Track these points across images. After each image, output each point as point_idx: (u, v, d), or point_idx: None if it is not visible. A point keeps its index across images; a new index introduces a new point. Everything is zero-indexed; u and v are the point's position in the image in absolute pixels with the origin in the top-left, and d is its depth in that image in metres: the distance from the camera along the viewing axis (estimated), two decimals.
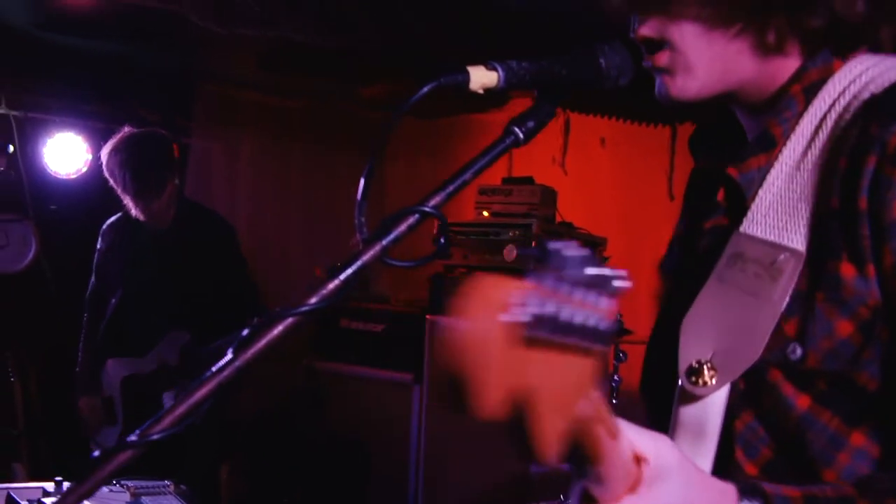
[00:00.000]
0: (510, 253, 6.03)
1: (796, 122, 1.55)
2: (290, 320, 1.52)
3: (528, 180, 6.33)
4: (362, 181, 1.58)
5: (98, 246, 5.32)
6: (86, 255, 5.78)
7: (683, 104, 1.61)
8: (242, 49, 5.81)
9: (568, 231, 6.27)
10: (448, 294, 6.38)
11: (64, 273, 6.51)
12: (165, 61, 6.71)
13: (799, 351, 1.45)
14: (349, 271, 1.54)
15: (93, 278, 5.38)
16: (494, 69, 1.58)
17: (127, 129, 5.05)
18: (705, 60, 1.56)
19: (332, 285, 1.54)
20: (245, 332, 1.49)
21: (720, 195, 1.63)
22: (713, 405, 1.50)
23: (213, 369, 1.47)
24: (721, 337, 1.50)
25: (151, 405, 5.04)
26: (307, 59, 5.91)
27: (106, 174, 4.99)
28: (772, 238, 1.50)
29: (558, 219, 6.38)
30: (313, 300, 1.53)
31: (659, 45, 1.59)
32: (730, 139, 1.71)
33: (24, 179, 6.39)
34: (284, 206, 7.88)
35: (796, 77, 1.57)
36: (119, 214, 5.23)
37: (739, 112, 1.69)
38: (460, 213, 6.97)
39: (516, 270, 6.08)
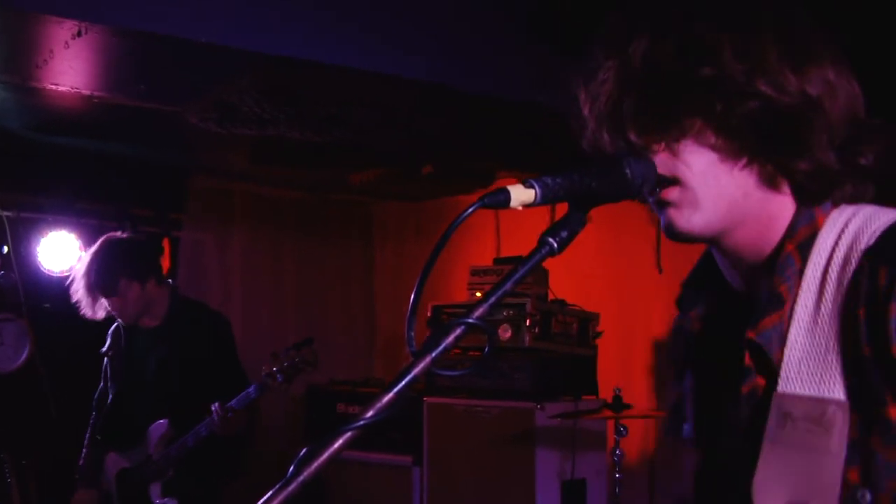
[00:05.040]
0: (505, 332, 6.10)
1: (800, 279, 1.64)
2: (349, 434, 1.58)
3: (519, 259, 6.40)
4: (412, 298, 1.63)
5: (103, 349, 5.40)
6: (80, 353, 5.80)
7: (688, 238, 1.71)
8: (235, 144, 5.88)
9: (561, 308, 6.34)
10: (444, 375, 6.42)
11: (59, 371, 6.53)
12: (157, 157, 6.78)
13: (868, 496, 1.53)
14: (402, 384, 1.61)
15: (101, 380, 5.46)
16: (532, 187, 1.64)
17: (106, 235, 5.27)
18: (712, 195, 1.65)
19: (386, 398, 1.60)
20: (304, 449, 1.56)
21: (747, 360, 1.67)
22: None
23: (277, 487, 1.53)
24: (792, 496, 1.57)
25: (142, 497, 5.10)
26: (298, 151, 5.99)
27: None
28: (812, 393, 1.57)
29: (550, 296, 6.46)
30: (369, 413, 1.59)
31: (668, 181, 1.68)
32: (709, 287, 1.85)
33: (18, 278, 6.43)
34: (278, 295, 7.93)
35: (788, 235, 1.67)
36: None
37: (724, 261, 1.79)
38: (452, 295, 7.04)
39: (509, 349, 6.15)
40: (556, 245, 1.70)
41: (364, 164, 6.65)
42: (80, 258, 5.28)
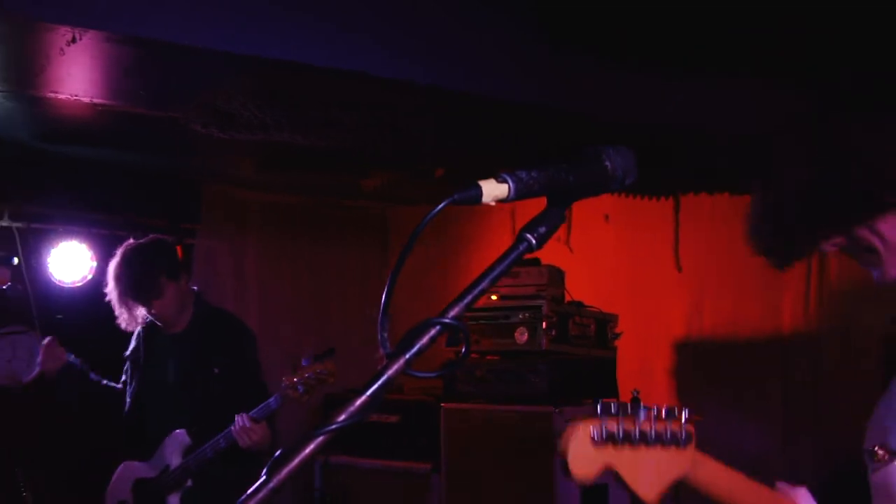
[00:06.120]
0: (521, 335, 6.03)
1: None
2: (320, 439, 1.54)
3: (535, 262, 6.34)
4: (383, 298, 1.60)
5: (126, 352, 5.36)
6: (93, 364, 5.76)
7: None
8: (245, 151, 5.86)
9: (578, 310, 6.27)
10: (461, 381, 6.37)
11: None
12: (169, 166, 6.77)
13: None
14: (375, 386, 1.57)
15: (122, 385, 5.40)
16: (505, 181, 1.60)
17: (124, 244, 5.20)
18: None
19: (359, 401, 1.57)
20: (278, 452, 1.53)
21: None
22: (891, 475, 2.01)
23: (247, 494, 1.50)
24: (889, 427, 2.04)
25: None
26: (307, 157, 5.96)
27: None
28: None
29: (567, 298, 6.38)
30: (342, 417, 1.57)
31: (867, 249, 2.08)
32: None
33: (30, 290, 6.42)
34: (294, 303, 7.91)
35: None
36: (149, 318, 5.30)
37: None
38: None
39: (526, 353, 6.08)
40: (534, 241, 1.69)
41: (375, 168, 6.61)
42: (107, 272, 5.18)
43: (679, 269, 6.73)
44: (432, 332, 1.60)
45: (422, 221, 1.57)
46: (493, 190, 1.60)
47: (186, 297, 5.19)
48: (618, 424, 1.82)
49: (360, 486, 6.64)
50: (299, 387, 4.66)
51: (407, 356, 1.58)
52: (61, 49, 3.56)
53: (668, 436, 1.88)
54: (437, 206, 1.56)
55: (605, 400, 1.79)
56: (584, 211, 7.19)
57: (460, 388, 6.36)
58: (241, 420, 4.71)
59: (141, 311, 5.11)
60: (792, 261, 2.15)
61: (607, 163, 1.70)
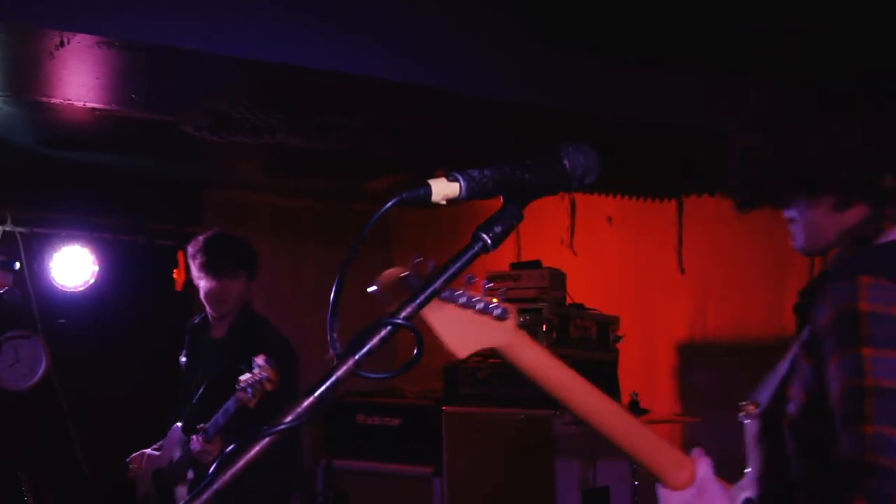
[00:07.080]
0: None
1: None
2: (266, 440, 1.53)
3: (536, 264, 6.31)
4: (331, 298, 1.58)
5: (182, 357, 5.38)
6: (96, 368, 5.77)
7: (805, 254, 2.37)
8: (246, 154, 5.85)
9: (579, 312, 6.24)
10: (462, 383, 6.36)
11: (75, 387, 6.51)
12: (172, 170, 6.76)
13: (791, 406, 2.13)
14: (323, 388, 1.55)
15: None
16: (456, 180, 1.59)
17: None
18: (804, 229, 2.28)
19: (306, 403, 1.55)
20: (228, 449, 1.52)
21: None
22: (754, 427, 2.22)
23: (191, 496, 1.49)
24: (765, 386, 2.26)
25: (170, 499, 5.08)
26: (312, 161, 5.94)
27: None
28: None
29: (568, 300, 6.36)
30: (288, 418, 1.54)
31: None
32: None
33: (32, 295, 6.42)
34: (299, 307, 7.89)
35: None
36: (197, 319, 5.34)
37: None
38: None
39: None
40: (489, 241, 1.67)
41: (378, 172, 6.60)
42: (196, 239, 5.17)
43: (682, 271, 6.70)
44: (383, 332, 1.58)
45: (370, 220, 1.56)
46: (443, 189, 1.59)
47: (243, 299, 5.22)
48: (425, 277, 1.81)
49: (362, 489, 6.63)
50: (248, 389, 4.62)
51: (356, 357, 1.56)
52: (50, 53, 3.56)
53: (480, 304, 1.97)
54: (385, 205, 1.54)
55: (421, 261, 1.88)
56: (588, 213, 7.17)
57: (461, 391, 6.35)
58: (195, 443, 4.74)
59: (204, 284, 5.10)
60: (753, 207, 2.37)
61: (566, 161, 1.68)
